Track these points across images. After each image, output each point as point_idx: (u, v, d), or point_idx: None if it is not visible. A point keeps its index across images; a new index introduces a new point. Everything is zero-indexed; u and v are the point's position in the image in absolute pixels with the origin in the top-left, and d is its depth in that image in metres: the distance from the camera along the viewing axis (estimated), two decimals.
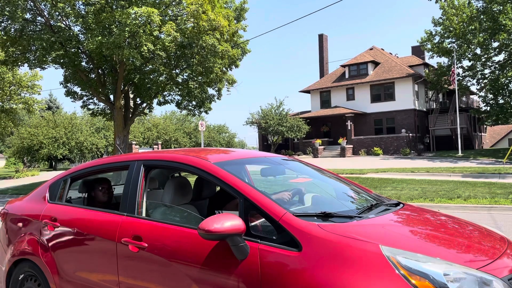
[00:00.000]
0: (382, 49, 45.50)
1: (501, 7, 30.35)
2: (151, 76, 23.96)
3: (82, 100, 26.25)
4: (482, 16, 31.78)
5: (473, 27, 31.72)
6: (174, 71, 23.91)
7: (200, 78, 24.14)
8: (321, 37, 48.28)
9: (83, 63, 23.79)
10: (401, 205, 3.26)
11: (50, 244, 3.72)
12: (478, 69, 34.85)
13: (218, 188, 4.23)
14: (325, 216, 2.63)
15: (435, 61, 40.97)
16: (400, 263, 2.19)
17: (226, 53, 22.43)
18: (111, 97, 24.46)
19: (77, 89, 25.35)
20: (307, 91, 43.66)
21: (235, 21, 24.30)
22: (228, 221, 2.50)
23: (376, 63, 41.18)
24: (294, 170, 3.93)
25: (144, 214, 3.29)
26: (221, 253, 2.63)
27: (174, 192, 3.45)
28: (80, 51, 22.43)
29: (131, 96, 25.93)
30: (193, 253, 2.76)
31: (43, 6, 21.15)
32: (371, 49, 45.13)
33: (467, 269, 2.20)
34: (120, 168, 3.89)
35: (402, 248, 2.30)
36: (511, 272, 2.31)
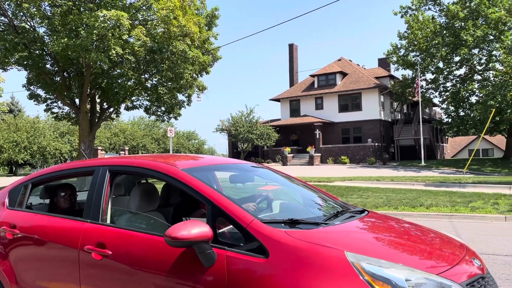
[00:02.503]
0: (350, 60, 46.52)
1: (463, 23, 31.69)
2: (119, 81, 23.54)
3: (46, 104, 25.49)
4: (444, 32, 33.07)
5: (436, 42, 32.94)
6: (143, 76, 23.60)
7: (170, 83, 23.93)
8: (291, 46, 48.88)
9: (48, 66, 23.14)
10: (366, 212, 3.32)
11: (8, 252, 3.56)
12: (440, 82, 36.17)
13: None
14: (292, 223, 2.64)
15: (400, 73, 42.30)
16: (364, 269, 2.23)
17: (196, 59, 22.36)
18: (77, 101, 23.86)
19: (41, 92, 24.62)
20: (277, 100, 44.02)
21: (206, 28, 24.29)
22: (195, 228, 2.47)
23: (344, 74, 42.04)
24: (263, 177, 3.94)
25: (108, 221, 3.21)
26: (188, 261, 2.59)
27: (140, 198, 3.39)
28: (45, 53, 21.80)
29: (98, 100, 25.39)
30: (159, 260, 2.72)
31: (6, 6, 20.45)
32: (339, 60, 46.04)
33: (428, 274, 2.26)
34: (84, 174, 3.79)
35: (366, 254, 2.34)
36: (469, 277, 2.40)
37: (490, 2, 30.18)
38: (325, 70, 42.50)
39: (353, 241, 2.58)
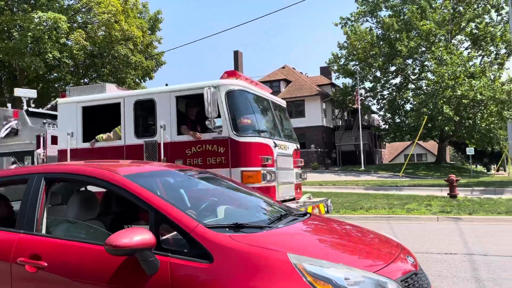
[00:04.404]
0: (293, 68, 47.61)
1: (398, 35, 33.55)
2: (56, 85, 22.47)
3: None
4: (381, 42, 34.83)
5: (374, 52, 34.61)
6: (82, 81, 22.71)
7: None
8: (236, 53, 49.20)
9: None
10: (308, 215, 3.41)
11: None
12: (378, 90, 38.01)
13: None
14: (237, 227, 2.66)
15: (341, 81, 44.06)
16: (306, 270, 2.28)
17: (139, 64, 21.89)
18: (9, 106, 22.42)
19: None
20: None
21: (149, 32, 23.85)
22: (137, 236, 2.41)
23: (288, 81, 42.91)
24: (208, 183, 3.93)
25: (44, 232, 3.04)
26: (130, 269, 2.52)
27: (79, 207, 3.26)
28: None
29: (33, 106, 24.03)
30: (99, 270, 2.62)
31: None
32: (283, 67, 46.98)
33: (366, 272, 2.36)
34: (17, 182, 3.57)
35: (308, 255, 2.40)
36: (403, 274, 2.53)
37: (421, 15, 32.21)
38: (269, 77, 43.17)
39: (295, 243, 2.64)
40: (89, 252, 2.70)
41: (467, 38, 34.43)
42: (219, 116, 6.15)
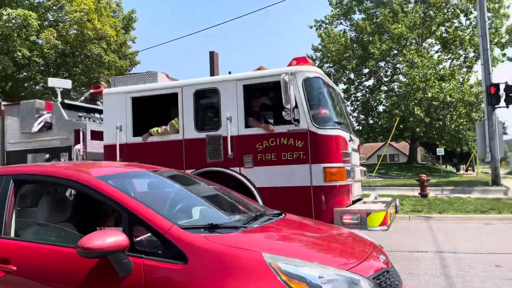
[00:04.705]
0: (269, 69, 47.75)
1: (370, 38, 34.15)
2: (25, 84, 21.85)
3: None
4: (355, 45, 35.38)
5: (347, 54, 35.12)
6: None
7: (83, 88, 22.73)
8: (212, 54, 48.95)
9: None
10: (284, 215, 3.44)
11: None
12: (352, 92, 38.58)
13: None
14: (212, 228, 2.65)
15: None
16: (280, 269, 2.30)
17: (113, 64, 21.51)
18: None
19: None
20: None
21: (123, 32, 23.48)
22: (110, 238, 2.37)
23: None
24: (182, 184, 3.90)
25: (12, 235, 2.96)
26: (102, 272, 2.48)
27: (50, 209, 3.18)
28: None
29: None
30: (71, 273, 2.57)
31: None
32: (258, 68, 47.07)
33: (339, 271, 2.40)
34: None
35: (283, 255, 2.42)
36: (375, 271, 2.59)
37: (393, 19, 32.89)
38: None
39: (270, 243, 2.66)
40: (60, 255, 2.64)
41: (437, 42, 35.40)
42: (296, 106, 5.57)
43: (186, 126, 6.17)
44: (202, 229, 2.63)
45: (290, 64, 6.01)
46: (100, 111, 8.36)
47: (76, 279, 2.53)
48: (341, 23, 38.09)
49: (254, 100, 6.38)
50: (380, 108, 37.77)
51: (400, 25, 32.23)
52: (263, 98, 6.78)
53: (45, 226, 3.09)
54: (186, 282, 2.34)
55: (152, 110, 7.14)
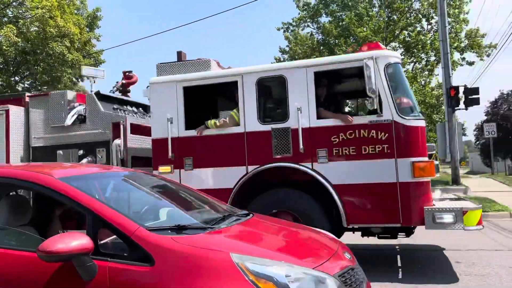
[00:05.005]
0: None
1: (337, 41, 34.76)
2: None
3: None
4: (322, 47, 35.91)
5: (314, 56, 35.58)
6: (12, 79, 21.32)
7: (45, 87, 22.01)
8: (179, 54, 48.36)
9: None
10: (252, 215, 3.45)
11: None
12: None
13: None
14: (179, 229, 2.63)
15: None
16: (248, 269, 2.31)
17: (77, 62, 20.91)
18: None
19: None
20: None
21: (87, 30, 22.90)
22: (73, 241, 2.32)
23: None
24: (150, 185, 3.85)
25: None
26: (66, 276, 2.42)
27: (9, 212, 3.06)
28: None
29: None
30: (32, 278, 2.48)
31: None
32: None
33: (306, 269, 2.43)
34: None
35: (251, 255, 2.44)
36: (341, 269, 2.64)
37: (359, 22, 33.61)
38: None
39: (238, 243, 2.67)
40: (20, 259, 2.55)
41: (401, 46, 36.44)
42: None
43: (247, 118, 5.61)
44: (169, 231, 2.61)
45: (360, 51, 5.57)
46: (132, 103, 7.80)
47: (37, 284, 2.45)
48: (308, 26, 38.58)
49: (326, 89, 5.87)
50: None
51: (365, 29, 32.96)
52: (336, 86, 6.27)
53: (4, 230, 2.98)
54: (153, 284, 2.31)
55: (206, 100, 6.64)
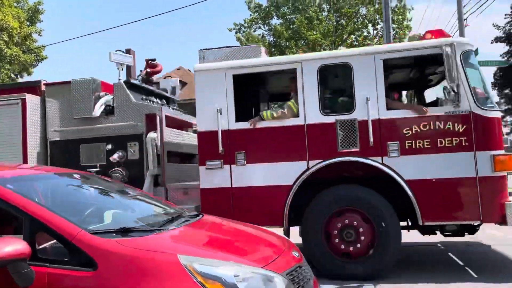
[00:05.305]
0: (188, 70, 47.21)
1: (287, 43, 35.32)
2: None
3: None
4: (273, 49, 36.32)
5: None
6: None
7: None
8: (128, 51, 47.07)
9: None
10: (201, 215, 3.41)
11: None
12: None
13: None
14: (125, 232, 2.55)
15: None
16: (196, 270, 2.29)
17: (16, 58, 19.78)
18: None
19: None
20: None
21: (28, 24, 21.72)
22: (7, 246, 2.18)
23: (183, 83, 42.34)
24: (94, 186, 3.71)
25: None
26: (1, 282, 2.27)
27: None
28: None
29: None
30: None
31: None
32: (178, 69, 46.24)
33: (254, 268, 2.44)
34: None
35: (199, 256, 2.41)
36: (289, 267, 2.67)
37: (309, 26, 34.36)
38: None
39: (186, 244, 2.63)
40: None
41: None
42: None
43: (308, 109, 5.18)
44: (114, 234, 2.52)
45: (424, 38, 5.25)
46: (157, 95, 7.26)
47: None
48: (260, 27, 38.90)
49: (394, 77, 5.56)
50: None
51: (315, 32, 33.73)
52: (407, 75, 5.96)
53: None
54: None
55: (257, 90, 6.16)
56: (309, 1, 32.31)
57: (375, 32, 36.78)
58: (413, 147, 4.92)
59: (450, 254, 6.31)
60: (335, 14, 35.03)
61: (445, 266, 5.66)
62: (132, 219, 3.27)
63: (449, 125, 4.85)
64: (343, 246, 4.97)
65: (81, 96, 6.13)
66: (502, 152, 4.86)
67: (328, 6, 33.12)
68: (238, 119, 5.42)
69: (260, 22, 38.50)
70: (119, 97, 6.17)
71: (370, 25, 35.76)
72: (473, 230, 5.34)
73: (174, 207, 3.72)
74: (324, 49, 35.21)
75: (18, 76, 22.40)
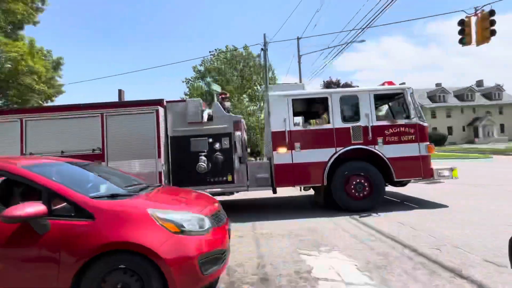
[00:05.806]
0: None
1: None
2: None
3: None
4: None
5: (204, 98, 34.91)
6: None
7: (15, 106, 16.79)
8: (120, 92, 42.08)
9: None
10: (162, 185, 3.22)
11: None
12: None
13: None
14: (112, 196, 2.33)
15: None
16: (158, 217, 2.20)
17: (43, 91, 16.50)
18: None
19: None
20: None
21: (52, 70, 18.30)
22: (30, 207, 1.87)
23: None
24: (92, 170, 3.26)
25: None
26: (26, 231, 1.92)
27: None
28: None
29: None
30: None
31: None
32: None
33: (193, 214, 2.39)
34: None
35: (160, 208, 2.30)
36: (212, 212, 2.64)
37: (227, 83, 34.28)
38: None
39: (152, 202, 2.49)
40: None
41: (247, 97, 38.37)
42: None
43: (335, 119, 5.24)
44: (105, 197, 2.29)
45: (383, 84, 5.49)
46: (225, 109, 6.33)
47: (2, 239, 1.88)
48: (200, 81, 37.79)
49: (379, 103, 5.87)
50: None
51: (231, 86, 33.79)
52: (384, 102, 6.14)
53: None
54: (95, 231, 2.03)
55: (304, 108, 6.03)
56: (227, 71, 32.25)
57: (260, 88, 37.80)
58: (390, 140, 5.18)
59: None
60: (240, 78, 35.49)
61: (399, 206, 5.44)
62: (117, 189, 2.96)
63: (407, 129, 5.18)
64: (354, 192, 5.11)
65: (193, 109, 5.70)
66: (429, 143, 5.25)
67: (236, 72, 33.49)
68: (295, 125, 5.48)
69: (200, 78, 37.39)
70: (215, 110, 5.82)
71: (258, 85, 36.77)
72: (404, 185, 5.61)
73: (145, 181, 3.45)
74: (234, 98, 35.40)
75: (45, 102, 18.73)
